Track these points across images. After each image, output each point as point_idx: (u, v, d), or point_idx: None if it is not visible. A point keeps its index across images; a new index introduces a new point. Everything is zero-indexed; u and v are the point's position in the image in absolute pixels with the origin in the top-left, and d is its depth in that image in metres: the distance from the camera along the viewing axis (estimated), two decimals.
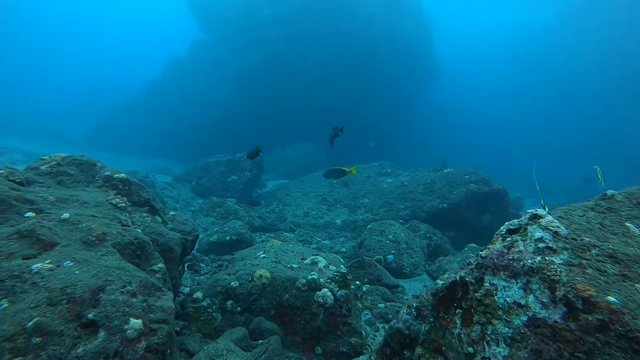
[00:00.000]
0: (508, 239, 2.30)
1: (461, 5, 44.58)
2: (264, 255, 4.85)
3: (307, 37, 20.90)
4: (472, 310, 2.27)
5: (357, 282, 5.53)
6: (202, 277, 5.69)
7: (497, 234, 2.41)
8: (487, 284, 2.26)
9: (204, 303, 3.99)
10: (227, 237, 7.12)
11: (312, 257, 4.61)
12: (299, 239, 8.55)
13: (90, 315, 2.24)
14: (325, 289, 3.93)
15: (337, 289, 4.03)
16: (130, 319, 2.36)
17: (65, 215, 3.13)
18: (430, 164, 25.84)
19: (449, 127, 33.21)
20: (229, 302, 3.97)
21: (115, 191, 4.16)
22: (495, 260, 2.28)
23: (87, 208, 3.58)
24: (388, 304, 5.21)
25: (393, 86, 24.04)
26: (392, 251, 6.91)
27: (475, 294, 2.29)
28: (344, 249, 7.49)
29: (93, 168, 4.21)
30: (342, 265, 4.51)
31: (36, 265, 2.37)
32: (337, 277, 4.18)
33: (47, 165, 4.03)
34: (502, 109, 40.91)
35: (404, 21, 23.44)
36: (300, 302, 3.90)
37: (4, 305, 2.09)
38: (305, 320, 3.89)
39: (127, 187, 4.25)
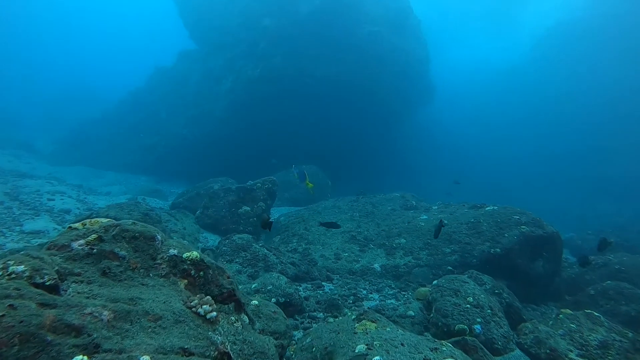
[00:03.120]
0: None
1: (448, 33, 45.39)
2: (366, 349, 3.52)
3: (309, 52, 19.77)
4: None
5: None
6: None
7: None
8: None
9: None
10: (273, 299, 5.70)
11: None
12: (343, 292, 7.19)
13: None
14: None
15: None
16: None
17: None
18: (430, 188, 25.13)
19: (440, 149, 32.80)
20: None
21: (186, 280, 2.72)
22: None
23: (166, 331, 2.14)
24: None
25: (393, 106, 23.23)
26: (478, 319, 5.67)
27: None
28: (411, 312, 6.18)
29: (152, 244, 2.77)
30: None
31: None
32: None
33: (83, 242, 2.57)
34: (489, 132, 41.19)
35: (406, 41, 22.77)
36: None
37: None
38: None
39: (202, 273, 2.83)
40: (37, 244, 6.57)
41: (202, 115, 20.88)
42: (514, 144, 39.46)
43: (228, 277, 2.99)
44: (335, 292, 7.20)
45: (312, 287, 7.36)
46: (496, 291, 7.05)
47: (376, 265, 8.72)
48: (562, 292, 9.21)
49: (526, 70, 42.99)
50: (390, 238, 9.69)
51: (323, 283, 7.64)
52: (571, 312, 6.15)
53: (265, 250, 7.70)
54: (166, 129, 21.82)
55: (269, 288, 5.91)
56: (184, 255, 2.80)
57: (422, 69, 25.10)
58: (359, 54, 20.43)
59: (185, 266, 2.74)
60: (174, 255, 2.75)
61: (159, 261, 2.68)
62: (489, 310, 5.90)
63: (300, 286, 7.31)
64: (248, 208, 10.45)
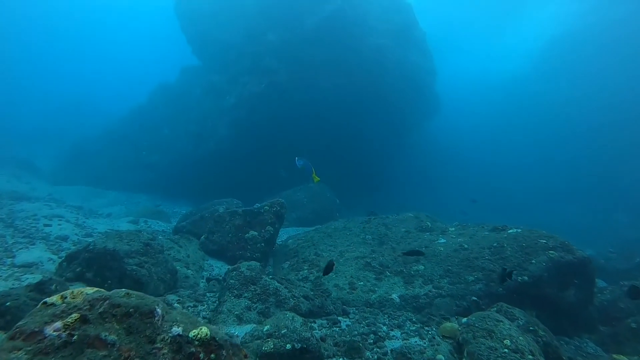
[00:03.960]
0: None
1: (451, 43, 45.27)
2: None
3: (314, 67, 19.39)
4: None
5: None
6: None
7: None
8: None
9: None
10: (288, 346, 5.09)
11: None
12: (362, 329, 6.58)
13: None
14: None
15: None
16: None
17: None
18: (440, 202, 24.49)
19: (447, 162, 32.26)
20: None
21: None
22: None
23: None
24: None
25: (399, 119, 22.79)
26: None
27: None
28: (440, 357, 5.54)
29: (150, 321, 2.21)
30: None
31: None
32: None
33: (60, 325, 2.00)
34: (495, 146, 40.72)
35: (412, 54, 22.41)
36: None
37: None
38: None
39: (213, 356, 2.22)
40: (26, 283, 6.00)
41: (205, 132, 20.44)
42: (522, 154, 38.92)
43: (245, 357, 2.40)
44: (354, 329, 6.58)
45: (327, 323, 6.76)
46: (531, 328, 6.40)
47: (394, 296, 8.09)
48: (595, 322, 8.55)
49: (531, 79, 42.79)
50: (408, 264, 9.07)
51: (339, 318, 7.02)
52: (625, 358, 5.51)
53: (276, 283, 7.11)
54: (168, 146, 21.37)
55: (283, 332, 5.29)
56: (191, 335, 2.22)
57: (429, 81, 24.73)
58: (364, 68, 20.06)
59: (193, 349, 2.16)
60: (178, 335, 2.18)
61: (158, 344, 2.11)
62: (530, 356, 5.26)
63: (315, 323, 6.71)
64: (255, 233, 9.87)
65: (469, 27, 46.02)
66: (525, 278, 7.86)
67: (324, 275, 7.58)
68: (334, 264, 6.83)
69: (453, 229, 10.99)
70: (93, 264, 6.80)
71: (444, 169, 30.75)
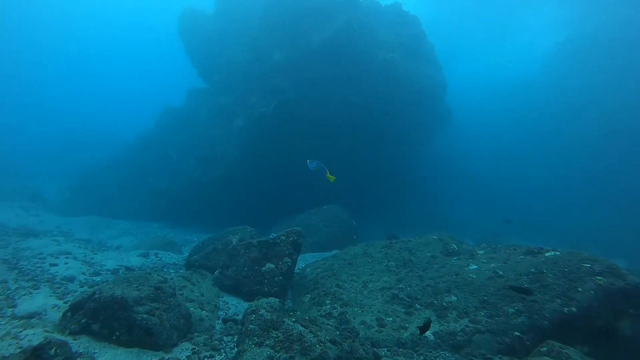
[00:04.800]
0: None
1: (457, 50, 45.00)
2: None
3: (323, 84, 19.01)
4: None
5: None
6: None
7: None
8: None
9: None
10: None
11: None
12: None
13: None
14: None
15: None
16: None
17: None
18: (460, 219, 23.70)
19: (462, 175, 31.50)
20: None
21: None
22: None
23: None
24: None
25: (412, 133, 22.24)
26: None
27: None
28: None
29: None
30: None
31: None
32: None
33: None
34: (509, 151, 39.89)
35: (422, 66, 21.99)
36: None
37: None
38: None
39: None
40: (26, 339, 5.47)
41: (214, 156, 20.04)
42: (537, 163, 38.01)
43: None
44: None
45: None
46: None
47: (428, 333, 7.38)
48: None
49: (541, 82, 42.18)
50: (438, 295, 8.38)
51: None
52: None
53: (300, 327, 6.44)
54: (177, 172, 21.00)
55: None
56: None
57: (440, 93, 24.26)
58: (374, 83, 19.68)
59: None
60: None
61: None
62: None
63: None
64: (272, 265, 9.26)
65: (475, 32, 45.85)
66: (573, 309, 7.11)
67: (421, 334, 6.98)
68: (430, 322, 6.38)
69: (482, 251, 10.27)
70: (99, 314, 6.24)
71: (458, 183, 29.98)
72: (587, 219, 27.63)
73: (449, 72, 27.08)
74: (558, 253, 8.52)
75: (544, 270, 8.04)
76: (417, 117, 21.82)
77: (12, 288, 7.90)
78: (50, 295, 7.90)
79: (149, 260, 11.89)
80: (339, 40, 18.54)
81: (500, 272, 8.45)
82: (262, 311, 6.81)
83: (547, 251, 8.80)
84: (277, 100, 18.56)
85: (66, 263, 10.11)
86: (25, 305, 7.19)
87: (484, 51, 50.08)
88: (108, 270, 10.33)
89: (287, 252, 9.54)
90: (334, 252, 12.96)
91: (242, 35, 20.79)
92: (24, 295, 7.64)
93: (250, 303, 7.60)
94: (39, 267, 9.52)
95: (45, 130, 48.93)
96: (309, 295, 9.32)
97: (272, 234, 9.83)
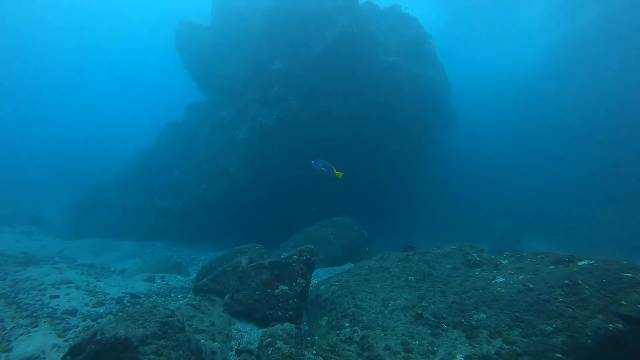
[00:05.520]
0: None
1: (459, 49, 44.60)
2: None
3: (325, 91, 18.57)
4: None
5: None
6: None
7: None
8: None
9: None
10: None
11: None
12: None
13: None
14: None
15: None
16: None
17: None
18: (474, 223, 23.04)
19: (469, 177, 30.87)
20: None
21: None
22: None
23: None
24: None
25: (417, 136, 21.70)
26: None
27: None
28: None
29: None
30: None
31: None
32: None
33: None
34: (516, 152, 39.18)
35: (425, 68, 21.52)
36: None
37: None
38: None
39: None
40: None
41: (217, 170, 19.56)
42: (547, 158, 37.31)
43: None
44: None
45: None
46: None
47: (459, 357, 6.78)
48: None
49: (544, 74, 41.63)
50: (466, 313, 7.77)
51: None
52: None
53: None
54: (180, 188, 20.53)
55: None
56: None
57: (444, 94, 23.79)
58: (378, 87, 19.21)
59: None
60: None
61: None
62: None
63: None
64: (286, 287, 8.70)
65: (474, 32, 45.44)
66: (619, 326, 6.48)
67: None
68: None
69: (506, 261, 9.65)
70: (102, 357, 5.67)
71: (467, 184, 29.36)
72: (602, 213, 26.90)
73: (451, 72, 26.62)
74: (592, 262, 7.90)
75: (580, 282, 7.42)
76: (423, 120, 21.32)
77: (9, 328, 7.37)
78: (50, 333, 7.37)
79: (154, 284, 11.36)
80: (340, 45, 18.11)
81: (531, 285, 7.84)
82: (280, 343, 6.27)
83: (580, 259, 8.17)
84: (280, 110, 18.11)
85: (68, 294, 9.58)
86: (22, 347, 6.65)
87: (484, 50, 49.57)
88: (112, 299, 9.80)
89: (300, 272, 8.98)
90: (347, 266, 12.39)
91: (240, 46, 20.39)
92: (21, 335, 7.11)
93: (264, 330, 7.10)
94: (38, 301, 8.99)
95: (45, 147, 48.80)
96: (326, 318, 8.73)
97: (284, 254, 9.28)
